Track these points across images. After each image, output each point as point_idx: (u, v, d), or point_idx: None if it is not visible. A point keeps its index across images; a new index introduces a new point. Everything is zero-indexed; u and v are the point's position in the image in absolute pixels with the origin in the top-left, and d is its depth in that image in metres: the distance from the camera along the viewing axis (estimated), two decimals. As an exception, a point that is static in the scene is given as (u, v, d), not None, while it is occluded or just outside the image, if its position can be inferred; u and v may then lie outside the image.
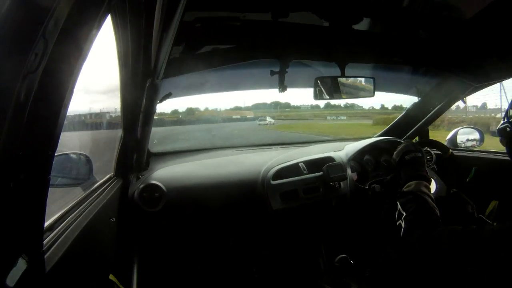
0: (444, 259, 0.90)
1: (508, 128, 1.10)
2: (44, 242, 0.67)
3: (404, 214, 1.07)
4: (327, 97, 1.58)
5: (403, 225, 1.06)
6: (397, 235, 1.09)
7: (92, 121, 3.35)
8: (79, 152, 1.36)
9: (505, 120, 1.13)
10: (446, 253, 0.89)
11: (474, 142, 2.07)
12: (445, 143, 1.95)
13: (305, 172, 1.82)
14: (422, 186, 1.14)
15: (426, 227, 0.99)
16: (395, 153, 1.33)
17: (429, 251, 0.94)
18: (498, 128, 1.16)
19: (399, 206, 1.11)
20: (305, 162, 1.85)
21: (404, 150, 1.29)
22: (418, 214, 1.05)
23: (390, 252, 1.70)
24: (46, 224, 0.75)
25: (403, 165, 1.26)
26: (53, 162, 0.53)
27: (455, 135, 2.08)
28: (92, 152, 1.54)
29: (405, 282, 1.13)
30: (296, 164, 1.84)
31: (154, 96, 1.23)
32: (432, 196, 1.12)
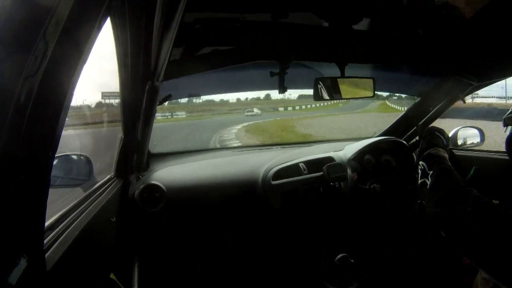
0: (466, 221, 0.90)
1: None
2: (45, 241, 0.67)
3: (431, 172, 1.09)
4: (327, 97, 1.58)
5: (428, 182, 1.08)
6: (419, 192, 1.12)
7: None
8: (79, 153, 1.37)
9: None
10: (468, 214, 0.90)
11: (475, 142, 2.06)
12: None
13: (305, 172, 1.82)
14: (445, 153, 1.18)
15: (454, 184, 1.01)
16: (426, 128, 1.36)
17: (454, 207, 0.94)
18: (505, 117, 1.17)
19: (424, 165, 1.14)
20: (305, 162, 1.86)
21: (435, 127, 1.33)
22: (446, 173, 1.07)
23: (389, 252, 1.70)
24: (47, 224, 0.76)
25: (431, 133, 1.29)
26: (54, 163, 0.54)
27: (455, 134, 2.08)
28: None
29: (404, 281, 1.13)
30: (296, 164, 1.85)
31: (154, 98, 1.24)
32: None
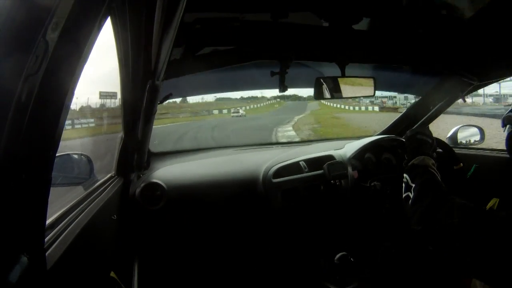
0: (452, 232, 0.88)
1: None
2: (46, 240, 0.68)
3: (413, 185, 1.06)
4: (328, 96, 1.59)
5: (411, 196, 1.05)
6: (404, 207, 1.08)
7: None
8: (80, 152, 1.37)
9: (511, 109, 1.14)
10: (455, 227, 0.87)
11: (475, 140, 2.07)
12: (446, 141, 1.94)
13: (305, 170, 1.82)
14: (430, 162, 1.14)
15: (435, 197, 0.98)
16: (409, 131, 1.32)
17: (438, 223, 0.92)
18: (504, 117, 1.17)
19: (407, 178, 1.10)
20: (306, 161, 1.86)
21: (418, 129, 1.29)
22: (428, 185, 1.04)
23: (389, 246, 1.70)
24: (48, 222, 0.76)
25: (413, 141, 1.26)
26: (55, 162, 0.54)
27: (455, 133, 2.08)
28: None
29: (403, 278, 1.13)
30: (297, 163, 1.85)
31: (154, 97, 1.24)
32: (439, 174, 1.11)
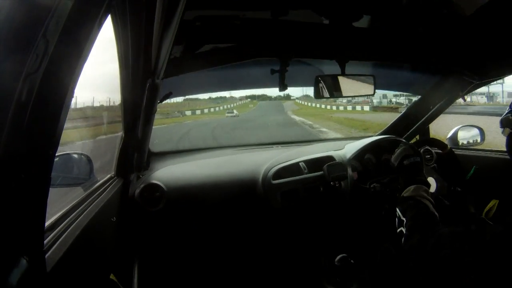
0: (445, 264, 0.88)
1: (511, 116, 1.10)
2: (45, 241, 0.67)
3: (405, 220, 1.05)
4: (328, 95, 1.59)
5: (404, 232, 1.03)
6: (399, 243, 1.06)
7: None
8: (80, 152, 1.36)
9: (509, 110, 1.13)
10: (447, 258, 0.87)
11: (475, 141, 2.06)
12: (446, 142, 1.94)
13: (305, 171, 1.82)
14: (421, 190, 1.12)
15: (426, 232, 0.97)
16: (393, 157, 1.31)
17: (430, 257, 0.92)
18: (502, 119, 1.16)
19: (399, 212, 1.09)
20: (306, 162, 1.85)
21: (402, 154, 1.27)
22: (418, 219, 1.03)
23: (388, 247, 1.69)
24: (47, 223, 0.75)
25: (402, 170, 1.25)
26: (54, 162, 0.54)
27: (455, 134, 2.08)
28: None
29: (404, 280, 1.12)
30: (297, 164, 1.84)
31: (154, 96, 1.23)
32: (432, 201, 1.10)
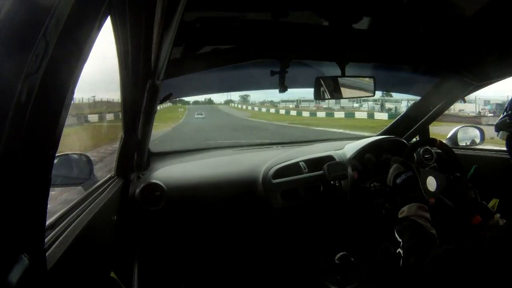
0: (443, 283, 0.88)
1: (508, 120, 1.10)
2: (46, 240, 0.67)
3: (401, 242, 1.04)
4: (328, 96, 1.59)
5: (402, 254, 1.02)
6: (398, 266, 1.06)
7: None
8: (80, 152, 1.37)
9: (505, 114, 1.13)
10: (445, 277, 0.87)
11: (475, 140, 2.07)
12: (446, 142, 1.94)
13: (305, 171, 1.82)
14: (416, 208, 1.11)
15: (421, 253, 0.96)
16: (388, 178, 1.30)
17: (427, 278, 0.92)
18: (497, 123, 1.16)
19: (396, 234, 1.08)
20: (306, 161, 1.86)
21: (394, 173, 1.25)
22: (414, 241, 1.02)
23: (388, 246, 1.69)
24: (48, 222, 0.76)
25: (396, 190, 1.23)
26: (55, 163, 0.54)
27: (455, 134, 2.08)
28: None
29: (403, 278, 1.12)
30: (297, 163, 1.85)
31: (154, 97, 1.24)
32: (428, 217, 1.10)
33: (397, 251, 1.05)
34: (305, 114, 27.59)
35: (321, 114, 26.00)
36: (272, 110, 31.05)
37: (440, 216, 1.24)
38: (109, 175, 1.42)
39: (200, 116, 24.65)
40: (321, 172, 1.77)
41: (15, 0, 0.40)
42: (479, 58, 1.59)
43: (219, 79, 1.85)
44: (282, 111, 30.16)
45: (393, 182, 1.25)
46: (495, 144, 1.99)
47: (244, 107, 33.39)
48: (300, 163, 1.85)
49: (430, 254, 0.93)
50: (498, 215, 1.22)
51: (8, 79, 0.39)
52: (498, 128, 1.16)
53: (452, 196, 1.32)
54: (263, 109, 30.93)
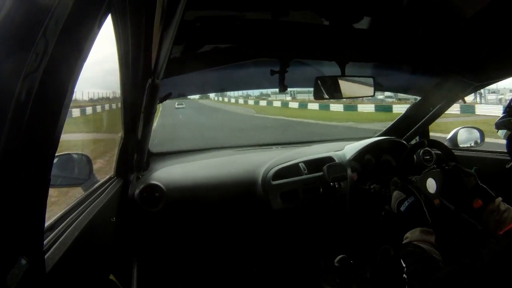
0: None
1: (510, 119, 1.10)
2: (45, 242, 0.67)
3: (405, 267, 1.05)
4: (328, 96, 1.58)
5: (406, 279, 1.03)
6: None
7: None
8: (80, 152, 1.36)
9: (504, 113, 1.13)
10: None
11: (475, 142, 2.06)
12: (445, 143, 1.94)
13: (305, 172, 1.82)
14: (419, 233, 1.12)
15: (424, 278, 0.97)
16: (391, 204, 1.31)
17: None
18: (497, 122, 1.16)
19: (401, 259, 1.09)
20: (305, 162, 1.85)
21: (397, 200, 1.26)
22: (417, 266, 1.03)
23: (387, 248, 1.69)
24: (47, 224, 0.75)
25: (401, 217, 1.24)
26: (54, 162, 0.53)
27: (455, 135, 2.08)
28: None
29: (402, 280, 1.11)
30: (296, 164, 1.84)
31: (154, 96, 1.23)
32: (432, 240, 1.10)
33: (403, 276, 1.06)
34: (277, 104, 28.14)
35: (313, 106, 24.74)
36: (241, 101, 33.44)
37: (443, 219, 1.24)
38: (108, 176, 1.41)
39: (180, 106, 25.73)
40: (320, 173, 1.77)
41: (15, 0, 0.40)
42: (479, 58, 1.58)
43: (220, 78, 1.84)
44: (251, 102, 31.94)
45: (397, 210, 1.26)
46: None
47: (221, 99, 36.12)
48: (300, 164, 1.85)
49: (434, 277, 0.93)
50: (499, 198, 1.24)
51: (8, 78, 0.39)
52: (498, 127, 1.16)
53: (453, 191, 1.32)
54: (240, 100, 33.28)
